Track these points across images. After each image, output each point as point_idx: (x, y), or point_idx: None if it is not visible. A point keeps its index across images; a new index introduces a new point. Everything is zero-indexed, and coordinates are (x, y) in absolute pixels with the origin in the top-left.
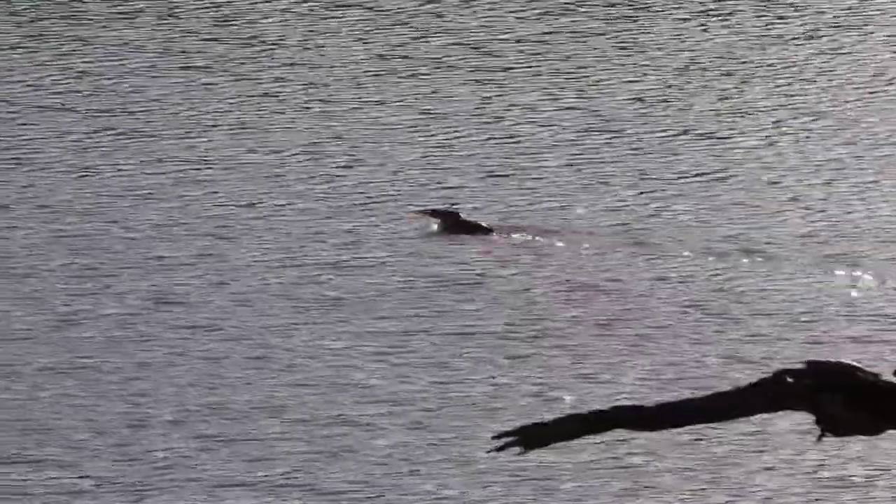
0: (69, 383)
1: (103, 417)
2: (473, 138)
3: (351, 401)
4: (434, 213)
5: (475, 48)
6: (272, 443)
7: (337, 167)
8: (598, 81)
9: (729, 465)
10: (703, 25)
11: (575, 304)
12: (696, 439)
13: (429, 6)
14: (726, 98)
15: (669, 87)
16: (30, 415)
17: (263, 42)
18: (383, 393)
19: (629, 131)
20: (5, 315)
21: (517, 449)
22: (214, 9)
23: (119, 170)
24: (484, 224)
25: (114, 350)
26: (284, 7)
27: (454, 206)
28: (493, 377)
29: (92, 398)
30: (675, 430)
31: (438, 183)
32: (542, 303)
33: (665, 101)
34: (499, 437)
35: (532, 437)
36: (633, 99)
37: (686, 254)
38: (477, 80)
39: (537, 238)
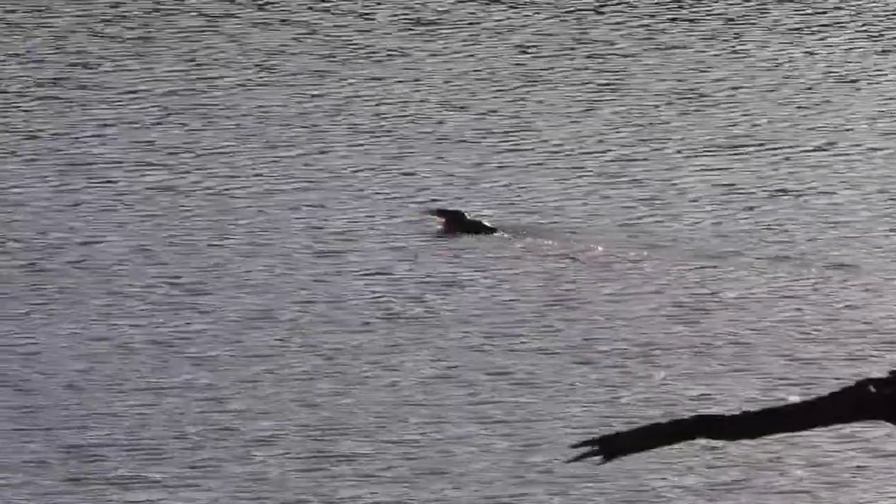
0: (168, 402)
1: (202, 436)
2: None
3: (458, 420)
4: (439, 213)
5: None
6: (376, 462)
7: (428, 184)
8: (697, 90)
9: (823, 477)
10: (791, 40)
11: (677, 321)
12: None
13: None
14: (806, 108)
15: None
16: (138, 434)
17: (352, 54)
18: (493, 412)
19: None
20: (106, 334)
21: (597, 458)
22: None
23: (212, 185)
24: (487, 224)
25: (211, 368)
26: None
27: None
28: (606, 396)
29: (190, 416)
30: (756, 440)
31: (532, 199)
32: (644, 319)
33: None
34: (578, 445)
35: (611, 445)
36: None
37: (773, 269)
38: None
39: (542, 240)
